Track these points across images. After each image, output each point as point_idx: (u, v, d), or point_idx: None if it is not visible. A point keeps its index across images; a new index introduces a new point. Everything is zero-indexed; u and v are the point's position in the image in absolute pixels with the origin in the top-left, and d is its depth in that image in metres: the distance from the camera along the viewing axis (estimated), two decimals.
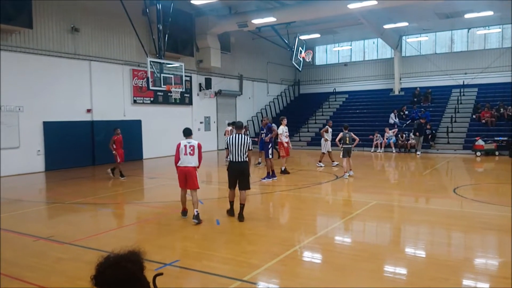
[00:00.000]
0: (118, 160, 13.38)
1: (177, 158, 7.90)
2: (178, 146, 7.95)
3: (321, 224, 8.19)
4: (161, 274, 2.45)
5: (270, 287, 4.99)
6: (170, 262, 5.51)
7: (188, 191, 7.97)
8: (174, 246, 6.57)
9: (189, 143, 7.91)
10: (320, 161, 15.77)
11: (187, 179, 7.83)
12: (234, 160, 7.85)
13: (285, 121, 14.19)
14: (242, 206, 7.82)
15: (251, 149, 8.02)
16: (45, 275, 5.32)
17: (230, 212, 8.13)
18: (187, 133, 8.05)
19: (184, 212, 8.19)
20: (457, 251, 6.41)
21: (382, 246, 6.70)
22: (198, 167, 7.98)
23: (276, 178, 12.86)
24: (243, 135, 7.95)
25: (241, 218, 7.77)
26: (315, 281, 5.04)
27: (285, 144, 14.01)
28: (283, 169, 13.93)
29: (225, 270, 5.29)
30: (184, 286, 4.95)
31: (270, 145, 13.15)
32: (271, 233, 7.09)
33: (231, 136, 7.92)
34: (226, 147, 7.96)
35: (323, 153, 15.86)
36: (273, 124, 14.31)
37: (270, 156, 13.07)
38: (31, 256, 6.08)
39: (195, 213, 7.66)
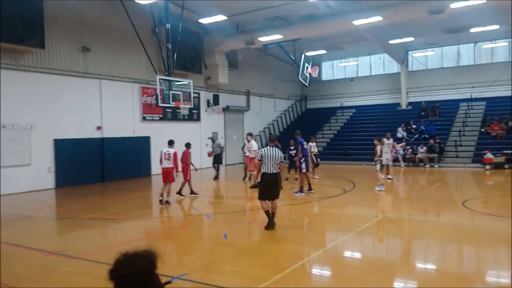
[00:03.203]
0: (188, 176, 12.54)
1: (160, 161, 11.48)
2: (161, 152, 11.52)
3: (329, 238, 8.20)
4: (169, 282, 2.54)
5: None
6: (178, 276, 5.57)
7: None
8: (182, 260, 6.62)
9: (168, 151, 11.33)
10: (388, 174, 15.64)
11: (167, 176, 11.22)
12: (268, 171, 8.05)
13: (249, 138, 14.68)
14: (273, 214, 8.10)
15: (282, 161, 8.35)
16: None
17: (270, 224, 8.07)
18: (169, 143, 11.56)
19: (161, 199, 11.23)
20: (465, 264, 6.39)
21: (390, 259, 6.69)
22: (174, 169, 11.29)
23: (312, 191, 12.74)
24: (275, 148, 8.23)
25: (272, 225, 8.00)
26: None
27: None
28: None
29: (233, 283, 5.33)
30: None
31: (303, 159, 12.84)
32: (279, 247, 7.12)
33: (266, 149, 8.18)
34: (259, 158, 8.13)
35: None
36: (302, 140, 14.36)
37: (304, 170, 12.86)
38: (41, 271, 6.18)
39: (168, 199, 11.23)
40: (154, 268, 1.59)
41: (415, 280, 5.55)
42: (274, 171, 8.05)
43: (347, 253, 7.00)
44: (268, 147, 8.21)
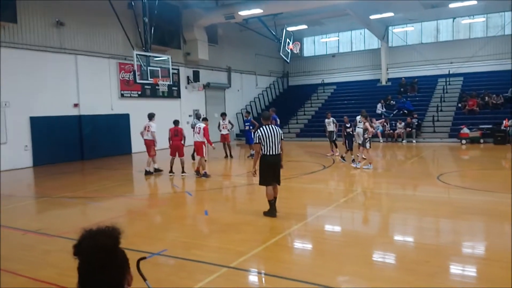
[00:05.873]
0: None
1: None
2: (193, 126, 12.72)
3: (307, 212, 8.33)
4: (144, 258, 2.57)
5: (254, 272, 5.11)
6: (157, 252, 5.61)
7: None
8: (163, 237, 6.65)
9: (199, 125, 12.01)
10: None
11: (197, 149, 12.12)
12: (269, 153, 7.20)
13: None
14: (275, 199, 7.42)
15: (283, 139, 7.42)
16: (35, 267, 5.38)
17: (272, 212, 7.34)
18: (203, 119, 12.60)
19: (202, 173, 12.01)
20: (438, 235, 6.60)
21: (366, 232, 6.87)
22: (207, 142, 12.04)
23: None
24: (273, 126, 7.41)
25: (274, 212, 7.36)
26: (298, 266, 5.20)
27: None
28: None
29: (212, 257, 5.40)
30: (169, 274, 5.05)
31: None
32: (258, 222, 7.21)
33: (262, 128, 7.29)
34: (257, 141, 7.23)
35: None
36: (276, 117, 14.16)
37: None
38: (20, 249, 6.14)
39: (205, 172, 11.97)
40: (117, 243, 1.65)
41: (392, 252, 5.72)
42: (276, 152, 7.21)
43: (325, 227, 7.15)
44: (264, 126, 7.30)
